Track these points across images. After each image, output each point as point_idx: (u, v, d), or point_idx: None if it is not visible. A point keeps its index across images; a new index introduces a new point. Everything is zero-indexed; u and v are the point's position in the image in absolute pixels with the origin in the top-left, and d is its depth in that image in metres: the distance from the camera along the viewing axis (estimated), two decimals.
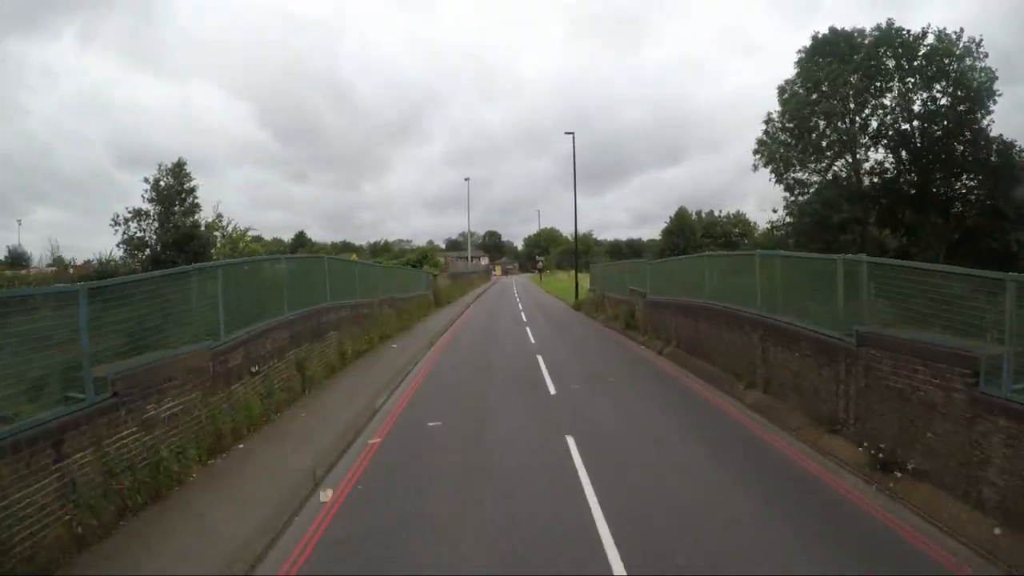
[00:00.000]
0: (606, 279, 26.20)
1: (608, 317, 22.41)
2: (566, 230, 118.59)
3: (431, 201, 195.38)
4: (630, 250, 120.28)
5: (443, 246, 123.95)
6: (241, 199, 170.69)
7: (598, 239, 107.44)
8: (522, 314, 27.51)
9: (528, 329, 21.22)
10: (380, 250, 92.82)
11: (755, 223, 67.62)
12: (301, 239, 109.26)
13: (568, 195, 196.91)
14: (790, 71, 29.83)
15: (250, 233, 20.49)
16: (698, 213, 74.59)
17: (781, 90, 30.12)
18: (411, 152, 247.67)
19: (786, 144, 30.06)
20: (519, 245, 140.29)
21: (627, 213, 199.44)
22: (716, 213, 74.19)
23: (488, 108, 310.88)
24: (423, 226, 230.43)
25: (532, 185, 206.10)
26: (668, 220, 75.57)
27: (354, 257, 28.68)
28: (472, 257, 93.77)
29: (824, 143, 29.36)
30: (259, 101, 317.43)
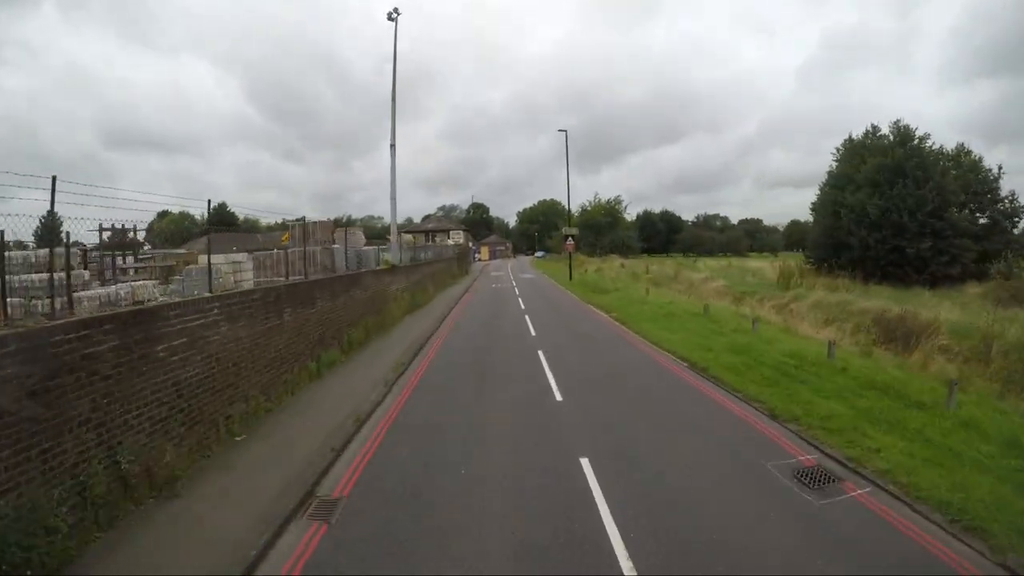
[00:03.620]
0: None
1: None
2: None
3: (426, 180, 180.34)
4: (665, 224, 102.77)
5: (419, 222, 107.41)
6: (233, 179, 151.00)
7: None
8: None
9: None
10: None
11: (990, 167, 37.23)
12: (220, 213, 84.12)
13: (571, 177, 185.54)
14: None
15: None
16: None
17: None
18: (405, 130, 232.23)
19: None
20: (511, 222, 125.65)
21: (625, 193, 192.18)
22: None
23: (486, 85, 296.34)
24: (419, 206, 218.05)
25: (527, 164, 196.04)
26: (837, 151, 41.20)
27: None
28: (435, 232, 68.96)
29: None
30: (251, 78, 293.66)
